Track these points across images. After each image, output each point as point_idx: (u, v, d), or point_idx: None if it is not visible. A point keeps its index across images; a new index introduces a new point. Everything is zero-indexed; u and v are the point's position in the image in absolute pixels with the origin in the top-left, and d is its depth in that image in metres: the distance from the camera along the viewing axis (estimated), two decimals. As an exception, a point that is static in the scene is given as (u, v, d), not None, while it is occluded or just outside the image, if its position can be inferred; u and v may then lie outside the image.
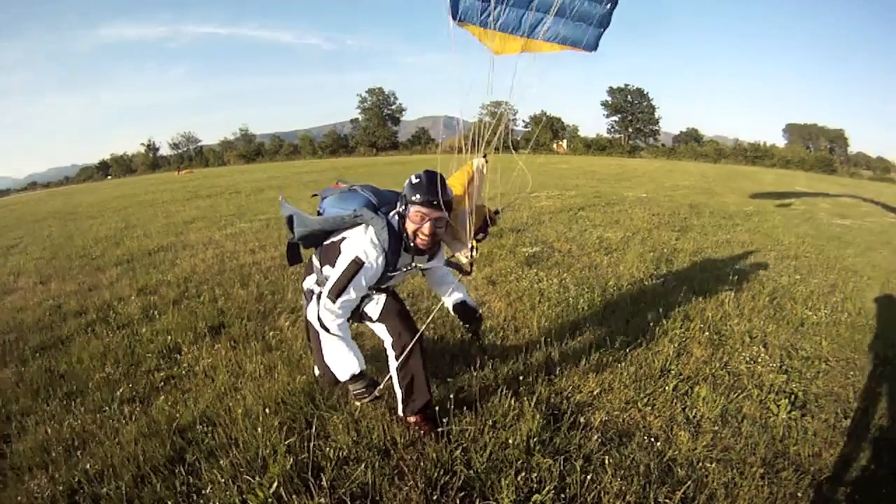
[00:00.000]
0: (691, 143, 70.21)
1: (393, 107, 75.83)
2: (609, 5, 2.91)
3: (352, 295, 2.65)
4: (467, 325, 3.31)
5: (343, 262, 2.64)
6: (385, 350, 3.00)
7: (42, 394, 3.88)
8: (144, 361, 4.30)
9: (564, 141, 68.87)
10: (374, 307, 2.98)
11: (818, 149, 68.95)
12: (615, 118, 75.51)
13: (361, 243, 2.64)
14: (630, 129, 74.63)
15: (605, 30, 3.02)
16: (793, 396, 3.79)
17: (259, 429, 3.04)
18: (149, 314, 5.46)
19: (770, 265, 7.68)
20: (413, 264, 2.83)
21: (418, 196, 2.55)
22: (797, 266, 7.75)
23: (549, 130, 66.34)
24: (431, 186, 2.56)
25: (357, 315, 3.03)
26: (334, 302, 2.61)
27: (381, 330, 3.01)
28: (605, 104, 75.67)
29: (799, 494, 2.77)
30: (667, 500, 2.63)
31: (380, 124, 73.94)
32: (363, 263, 2.61)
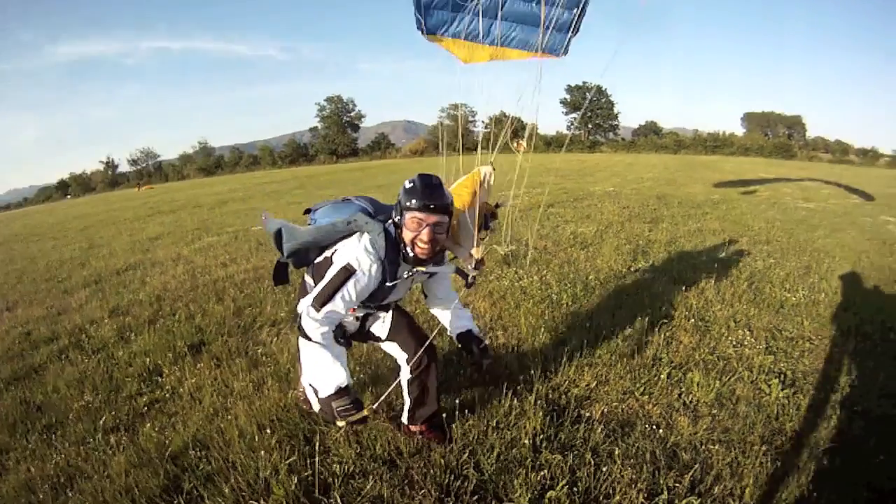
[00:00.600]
0: (651, 136, 71.66)
1: (352, 114, 76.75)
2: (577, 10, 2.96)
3: (338, 306, 2.39)
4: (472, 356, 3.01)
5: (333, 271, 2.43)
6: (398, 366, 2.95)
7: (20, 428, 3.69)
8: (124, 386, 4.13)
9: (524, 140, 69.04)
10: (382, 326, 2.89)
11: (776, 135, 71.28)
12: (574, 115, 76.67)
13: (354, 251, 2.44)
14: (590, 125, 75.85)
15: (574, 35, 3.07)
16: (782, 376, 3.89)
17: (262, 450, 2.96)
18: (124, 336, 5.27)
19: (744, 251, 7.89)
20: (414, 270, 2.59)
21: (414, 201, 2.35)
22: (770, 250, 7.98)
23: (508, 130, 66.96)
24: (427, 190, 2.38)
25: (363, 335, 2.95)
26: (318, 311, 2.35)
27: (392, 348, 2.93)
28: (563, 102, 76.76)
29: (800, 466, 2.86)
30: (676, 485, 2.67)
31: (339, 132, 74.78)
32: (354, 271, 2.39)
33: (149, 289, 7.12)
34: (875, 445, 3.05)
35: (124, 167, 79.16)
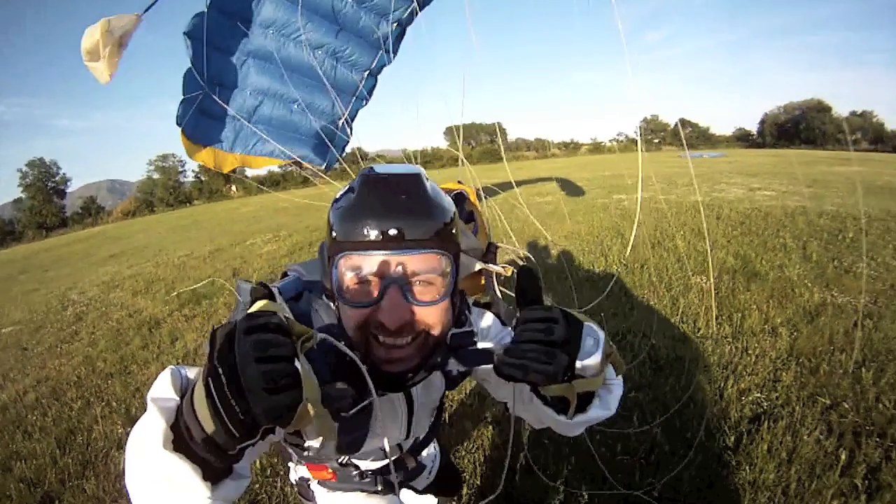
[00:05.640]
0: (359, 163, 76.68)
1: (57, 178, 68.98)
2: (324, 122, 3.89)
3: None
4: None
5: None
6: None
7: None
8: None
9: (234, 185, 67.01)
10: (426, 478, 1.96)
11: (479, 143, 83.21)
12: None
13: None
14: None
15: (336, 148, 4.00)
16: (649, 329, 5.36)
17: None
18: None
19: (532, 247, 9.86)
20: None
21: (362, 229, 1.10)
22: (548, 242, 10.14)
23: (220, 177, 65.15)
24: (384, 196, 1.13)
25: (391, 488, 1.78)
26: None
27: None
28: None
29: (712, 381, 4.30)
30: (652, 422, 3.68)
31: (45, 200, 65.70)
32: None
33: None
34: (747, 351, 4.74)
35: None
